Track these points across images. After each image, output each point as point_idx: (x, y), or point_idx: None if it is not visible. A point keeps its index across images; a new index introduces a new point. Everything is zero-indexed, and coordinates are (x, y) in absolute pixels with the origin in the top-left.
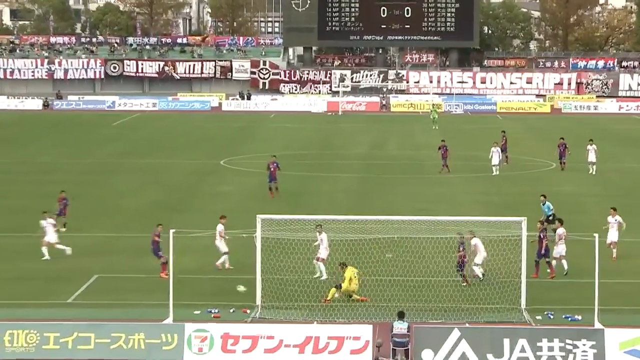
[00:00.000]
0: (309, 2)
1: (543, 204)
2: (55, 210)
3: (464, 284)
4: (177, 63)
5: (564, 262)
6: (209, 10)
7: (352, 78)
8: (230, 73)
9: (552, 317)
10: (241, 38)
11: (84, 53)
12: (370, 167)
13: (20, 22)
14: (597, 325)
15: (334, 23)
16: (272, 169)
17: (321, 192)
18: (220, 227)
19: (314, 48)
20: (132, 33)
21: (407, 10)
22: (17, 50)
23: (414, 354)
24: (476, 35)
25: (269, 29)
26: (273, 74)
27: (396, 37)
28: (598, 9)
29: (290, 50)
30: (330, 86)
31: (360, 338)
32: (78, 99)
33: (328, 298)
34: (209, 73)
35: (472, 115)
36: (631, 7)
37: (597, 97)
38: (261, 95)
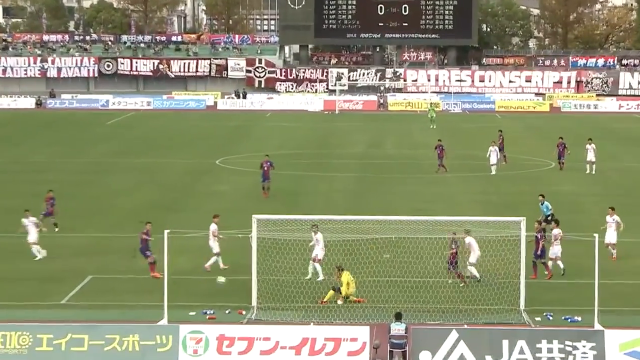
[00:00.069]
0: None
1: (541, 204)
2: (42, 210)
3: (462, 284)
4: (171, 61)
5: (560, 262)
6: (204, 7)
7: (349, 76)
8: (225, 71)
9: (551, 318)
10: (237, 36)
11: (78, 51)
12: (368, 167)
13: (13, 20)
14: (597, 326)
15: (330, 21)
16: (265, 169)
17: (318, 191)
18: (213, 227)
19: (310, 46)
20: (126, 31)
21: (405, 7)
22: (10, 49)
23: (411, 356)
24: (475, 33)
25: (265, 27)
26: (269, 72)
27: (394, 35)
28: (598, 6)
29: (287, 48)
30: (327, 85)
31: (358, 339)
32: (71, 98)
33: (325, 300)
34: (204, 71)
35: (470, 114)
36: (631, 4)
37: (597, 95)
38: (257, 94)
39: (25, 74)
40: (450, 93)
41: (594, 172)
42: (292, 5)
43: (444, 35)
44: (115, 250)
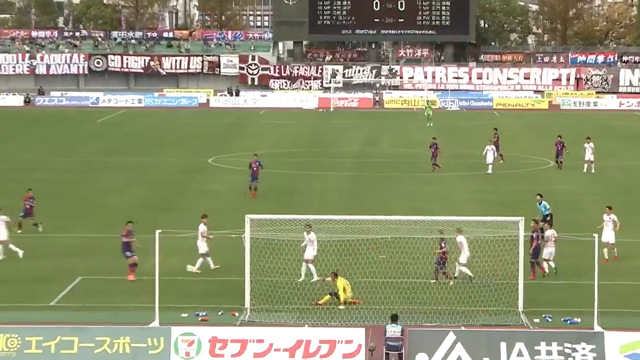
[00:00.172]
0: None
1: (539, 203)
2: (20, 211)
3: (450, 282)
4: (163, 58)
5: (551, 263)
6: (196, 3)
7: (344, 73)
8: (218, 68)
9: (550, 319)
10: (229, 32)
11: (67, 48)
12: (363, 165)
13: (1, 16)
14: (597, 328)
15: (325, 16)
16: (254, 169)
17: (312, 190)
18: (202, 227)
19: (304, 42)
20: (117, 27)
21: (401, 3)
22: None
23: (407, 358)
24: (472, 30)
25: (258, 23)
26: (262, 69)
27: (389, 31)
28: (598, 2)
29: (280, 44)
30: (322, 82)
31: (353, 342)
32: (61, 95)
33: (320, 302)
34: (196, 68)
35: (467, 111)
36: (632, 0)
37: (597, 93)
38: (250, 92)
39: (14, 71)
40: (447, 90)
41: (593, 171)
42: (286, 1)
43: (441, 31)
44: (105, 250)
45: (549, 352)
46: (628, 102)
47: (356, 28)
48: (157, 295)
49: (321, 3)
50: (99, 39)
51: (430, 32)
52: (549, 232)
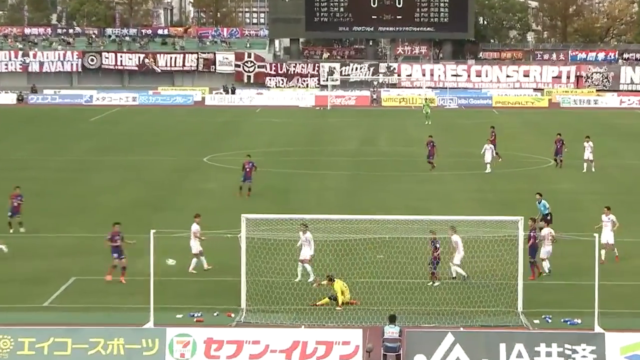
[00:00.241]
0: None
1: (539, 203)
2: (8, 210)
3: (436, 283)
4: (158, 55)
5: (547, 263)
6: (191, 0)
7: (341, 71)
8: (213, 66)
9: (550, 320)
10: (225, 29)
11: (60, 45)
12: (361, 164)
13: None
14: (597, 329)
15: (322, 13)
16: (247, 169)
17: (309, 190)
18: (195, 227)
19: (301, 40)
20: (111, 24)
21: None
22: None
23: None
24: (471, 27)
25: (254, 20)
26: (258, 66)
27: (387, 29)
28: None
29: (277, 42)
30: (319, 80)
31: (350, 343)
32: (54, 93)
33: (318, 303)
34: (191, 66)
35: (466, 109)
36: None
37: (597, 91)
38: (246, 89)
39: (6, 68)
40: (446, 88)
41: (593, 170)
42: None
43: (440, 28)
44: (99, 250)
45: (548, 354)
46: (629, 100)
47: (353, 25)
48: (152, 296)
49: (318, 0)
50: (93, 36)
51: (428, 29)
52: (545, 231)
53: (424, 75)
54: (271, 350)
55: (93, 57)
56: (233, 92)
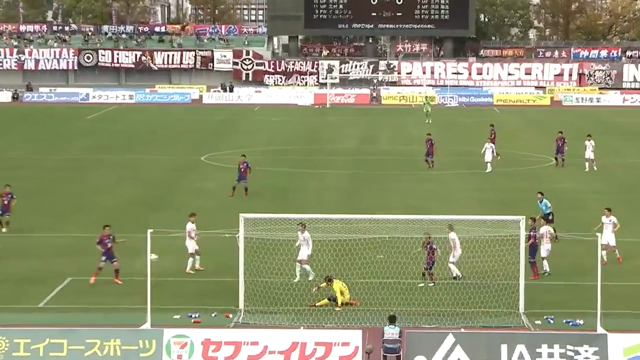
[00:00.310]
0: None
1: (540, 202)
2: None
3: (430, 284)
4: (155, 53)
5: (545, 262)
6: None
7: (340, 69)
8: (211, 64)
9: (552, 321)
10: (223, 26)
11: (56, 42)
12: (360, 163)
13: None
14: (600, 330)
15: (321, 10)
16: (242, 169)
17: (308, 189)
18: (190, 226)
19: (300, 37)
20: (107, 21)
21: None
22: None
23: None
24: (472, 24)
25: (253, 17)
26: (257, 64)
27: (387, 26)
28: None
29: (275, 39)
30: (318, 77)
31: (350, 344)
32: (50, 91)
33: (317, 304)
34: (188, 64)
35: (467, 108)
36: None
37: (600, 88)
38: (244, 87)
39: (1, 66)
40: (447, 86)
41: (595, 169)
42: None
43: (440, 25)
44: (96, 250)
45: (550, 355)
46: (632, 98)
47: (353, 22)
48: (149, 297)
49: None
50: (89, 34)
51: (428, 26)
52: (543, 229)
53: (424, 73)
54: (270, 351)
55: (89, 55)
56: (231, 90)
